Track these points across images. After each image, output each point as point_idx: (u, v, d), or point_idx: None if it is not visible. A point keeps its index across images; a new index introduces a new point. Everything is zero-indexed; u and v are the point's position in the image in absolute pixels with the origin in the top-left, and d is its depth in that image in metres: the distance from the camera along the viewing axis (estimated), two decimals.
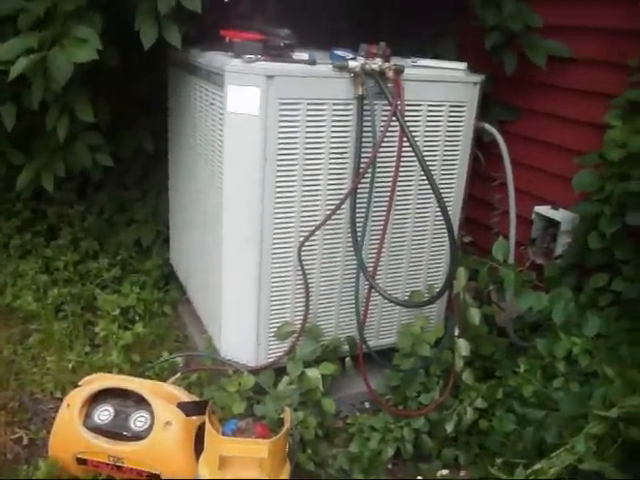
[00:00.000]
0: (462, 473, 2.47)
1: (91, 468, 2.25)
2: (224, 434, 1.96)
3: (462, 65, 2.56)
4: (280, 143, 2.27)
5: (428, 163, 2.26)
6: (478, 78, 2.53)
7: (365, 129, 2.31)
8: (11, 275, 3.43)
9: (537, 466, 1.50)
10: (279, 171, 2.30)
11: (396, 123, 2.31)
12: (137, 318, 3.18)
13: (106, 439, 2.21)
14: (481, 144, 2.78)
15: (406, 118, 2.31)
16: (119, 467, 2.21)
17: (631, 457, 1.55)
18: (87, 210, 3.75)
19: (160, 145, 3.41)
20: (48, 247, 3.59)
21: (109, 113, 3.15)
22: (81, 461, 2.24)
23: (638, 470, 1.49)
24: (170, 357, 2.85)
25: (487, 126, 2.65)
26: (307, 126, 2.29)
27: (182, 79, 2.86)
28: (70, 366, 2.86)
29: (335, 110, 2.31)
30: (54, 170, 3.08)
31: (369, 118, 2.30)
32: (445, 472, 2.48)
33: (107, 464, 2.21)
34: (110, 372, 2.70)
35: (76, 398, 2.28)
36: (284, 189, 2.34)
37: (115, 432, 2.22)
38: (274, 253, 2.41)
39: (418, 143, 2.34)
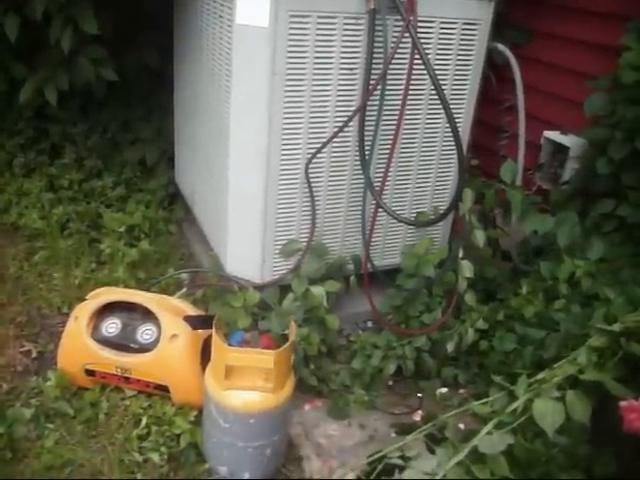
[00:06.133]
0: (461, 391, 2.53)
1: (99, 379, 2.30)
2: (230, 345, 1.98)
3: None
4: (289, 57, 2.23)
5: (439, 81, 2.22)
6: None
7: (376, 44, 2.26)
8: (15, 193, 3.42)
9: (539, 376, 1.52)
10: (288, 86, 2.26)
11: (408, 39, 2.26)
12: (142, 236, 3.20)
13: (113, 351, 2.25)
14: (492, 67, 2.73)
15: (418, 35, 2.25)
16: (127, 378, 2.26)
17: (631, 371, 1.58)
18: (91, 129, 3.70)
19: (165, 62, 3.35)
20: (52, 166, 3.57)
21: (113, 27, 3.08)
22: (89, 372, 2.29)
23: (637, 384, 1.51)
24: (176, 273, 2.87)
25: (500, 46, 2.60)
26: (317, 40, 2.24)
27: None
28: (76, 282, 2.90)
29: (346, 24, 2.25)
30: (57, 83, 3.04)
31: (381, 33, 2.25)
32: (444, 390, 2.54)
33: (115, 375, 2.27)
34: None
35: (84, 311, 2.31)
36: (292, 104, 2.30)
37: (122, 344, 2.26)
38: (281, 169, 2.39)
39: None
